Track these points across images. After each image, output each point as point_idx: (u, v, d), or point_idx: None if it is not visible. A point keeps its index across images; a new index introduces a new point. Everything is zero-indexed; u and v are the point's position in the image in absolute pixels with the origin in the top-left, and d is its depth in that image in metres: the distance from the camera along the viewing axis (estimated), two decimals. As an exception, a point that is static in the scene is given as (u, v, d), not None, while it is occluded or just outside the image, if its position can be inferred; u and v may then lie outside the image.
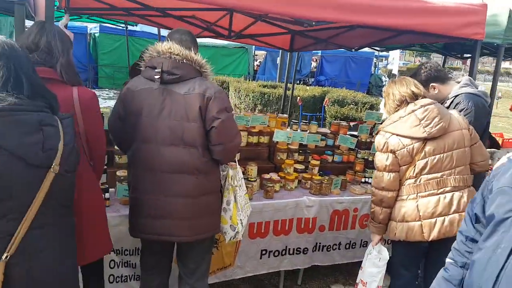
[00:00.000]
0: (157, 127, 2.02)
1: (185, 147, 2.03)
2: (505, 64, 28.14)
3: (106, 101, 11.36)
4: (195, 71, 2.07)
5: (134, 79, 2.19)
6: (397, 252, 2.44)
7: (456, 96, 2.63)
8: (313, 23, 2.34)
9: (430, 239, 2.21)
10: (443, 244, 2.20)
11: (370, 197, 2.47)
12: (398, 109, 2.32)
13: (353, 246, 3.26)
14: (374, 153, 2.49)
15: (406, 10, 2.52)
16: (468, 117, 2.49)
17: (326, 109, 9.26)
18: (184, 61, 2.03)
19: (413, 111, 2.24)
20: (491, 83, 3.63)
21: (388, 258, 2.47)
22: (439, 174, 2.22)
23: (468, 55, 4.96)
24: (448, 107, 2.61)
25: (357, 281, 2.60)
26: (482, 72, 28.51)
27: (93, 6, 3.76)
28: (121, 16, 5.00)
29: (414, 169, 2.24)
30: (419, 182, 2.24)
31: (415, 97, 2.29)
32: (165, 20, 4.36)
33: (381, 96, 5.64)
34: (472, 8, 2.70)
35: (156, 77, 1.99)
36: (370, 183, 2.78)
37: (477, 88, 2.70)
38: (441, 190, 2.22)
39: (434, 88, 2.68)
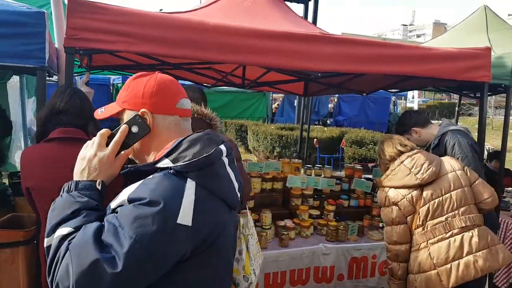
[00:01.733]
0: None
1: (197, 198, 2.08)
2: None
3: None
4: (206, 124, 2.17)
5: None
6: None
7: (443, 134, 2.76)
8: (319, 74, 2.44)
9: (450, 287, 2.14)
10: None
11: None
12: (389, 166, 2.43)
13: (374, 295, 3.14)
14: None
15: (410, 58, 2.59)
16: (463, 147, 2.60)
17: (344, 150, 9.24)
18: (195, 115, 2.14)
19: (401, 162, 2.35)
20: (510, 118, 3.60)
21: None
22: (443, 218, 2.22)
23: (481, 94, 4.96)
24: (437, 145, 2.75)
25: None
26: (503, 107, 28.00)
27: (115, 62, 4.04)
28: (141, 70, 5.31)
29: (419, 217, 2.26)
30: (427, 228, 2.24)
31: (401, 154, 2.39)
32: (181, 72, 4.61)
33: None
34: (476, 52, 2.75)
35: (169, 132, 2.11)
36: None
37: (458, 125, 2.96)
38: (449, 233, 2.19)
39: (416, 132, 2.84)
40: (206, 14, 2.84)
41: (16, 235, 2.23)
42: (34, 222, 2.17)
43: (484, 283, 2.59)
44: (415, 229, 2.28)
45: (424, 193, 2.26)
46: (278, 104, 18.17)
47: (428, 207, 2.24)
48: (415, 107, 21.98)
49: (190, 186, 0.97)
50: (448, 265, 2.15)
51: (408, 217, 2.29)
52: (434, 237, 2.21)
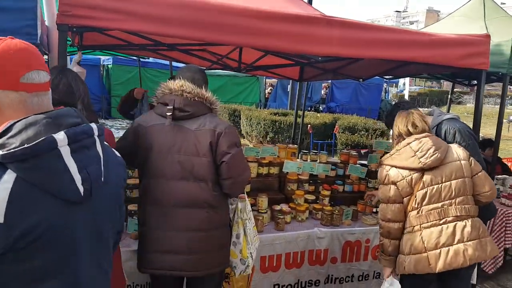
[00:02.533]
0: (167, 162, 2.06)
1: (195, 181, 2.06)
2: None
3: (119, 132, 11.56)
4: (206, 108, 2.13)
5: (145, 114, 2.26)
6: (406, 285, 2.41)
7: (438, 124, 2.73)
8: (319, 58, 2.40)
9: (437, 271, 2.19)
10: (452, 274, 2.19)
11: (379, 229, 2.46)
12: (398, 141, 2.42)
13: (366, 278, 3.19)
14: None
15: (411, 43, 2.56)
16: (464, 135, 2.59)
17: (337, 136, 9.27)
18: (196, 98, 2.09)
19: (408, 143, 2.33)
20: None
21: None
22: (439, 204, 2.24)
23: (475, 82, 4.98)
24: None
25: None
26: (493, 96, 28.39)
27: (107, 42, 3.93)
28: (133, 50, 5.19)
29: (416, 200, 2.27)
30: (421, 213, 2.26)
31: (410, 134, 2.37)
32: (175, 53, 4.52)
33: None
34: (476, 39, 2.73)
35: (168, 113, 2.05)
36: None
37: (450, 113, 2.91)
38: (443, 220, 2.22)
39: None
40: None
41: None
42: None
43: (473, 268, 2.64)
44: (410, 211, 2.30)
45: (424, 178, 2.26)
46: (271, 89, 18.05)
47: (426, 192, 2.25)
48: (406, 95, 22.05)
49: (8, 179, 0.90)
50: (438, 250, 2.19)
51: (405, 198, 2.31)
52: (427, 222, 2.24)
